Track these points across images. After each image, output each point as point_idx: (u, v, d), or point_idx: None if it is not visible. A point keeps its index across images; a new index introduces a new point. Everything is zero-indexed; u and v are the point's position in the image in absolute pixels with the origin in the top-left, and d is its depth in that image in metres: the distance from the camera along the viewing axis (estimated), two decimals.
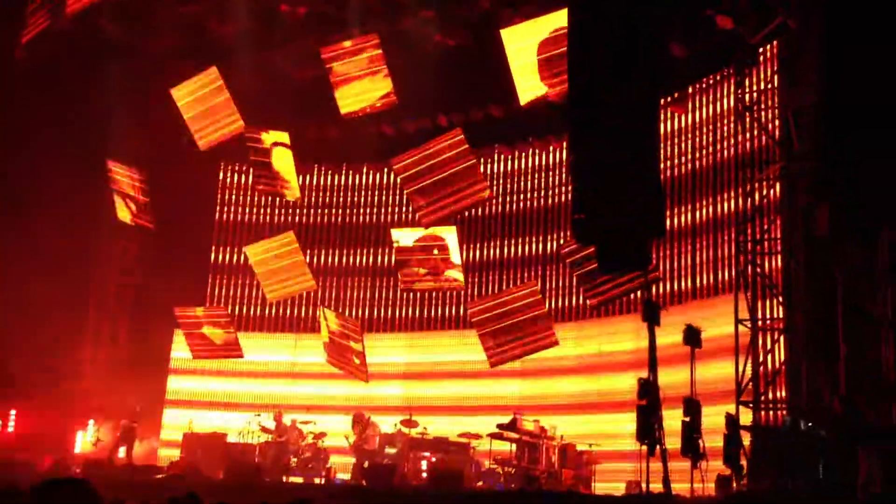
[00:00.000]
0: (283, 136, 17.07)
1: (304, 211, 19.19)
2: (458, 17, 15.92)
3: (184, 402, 18.39)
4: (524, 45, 14.69)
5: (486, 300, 16.85)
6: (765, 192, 13.34)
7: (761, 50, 13.99)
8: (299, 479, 15.02)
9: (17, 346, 15.60)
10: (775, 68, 13.72)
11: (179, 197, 17.98)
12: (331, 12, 16.17)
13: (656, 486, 10.02)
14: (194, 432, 16.43)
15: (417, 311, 18.43)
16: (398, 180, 17.30)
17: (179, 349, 18.51)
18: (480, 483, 14.00)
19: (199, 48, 16.83)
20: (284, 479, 14.78)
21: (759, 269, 13.10)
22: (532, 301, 16.16)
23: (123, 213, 17.60)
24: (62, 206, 16.17)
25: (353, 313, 18.39)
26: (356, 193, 19.31)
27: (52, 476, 12.28)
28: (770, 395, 12.61)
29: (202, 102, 16.85)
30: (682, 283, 15.29)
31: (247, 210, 19.47)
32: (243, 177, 19.42)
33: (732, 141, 14.75)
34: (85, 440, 16.90)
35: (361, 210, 19.22)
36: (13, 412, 16.13)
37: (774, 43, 13.75)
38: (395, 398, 17.33)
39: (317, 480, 14.92)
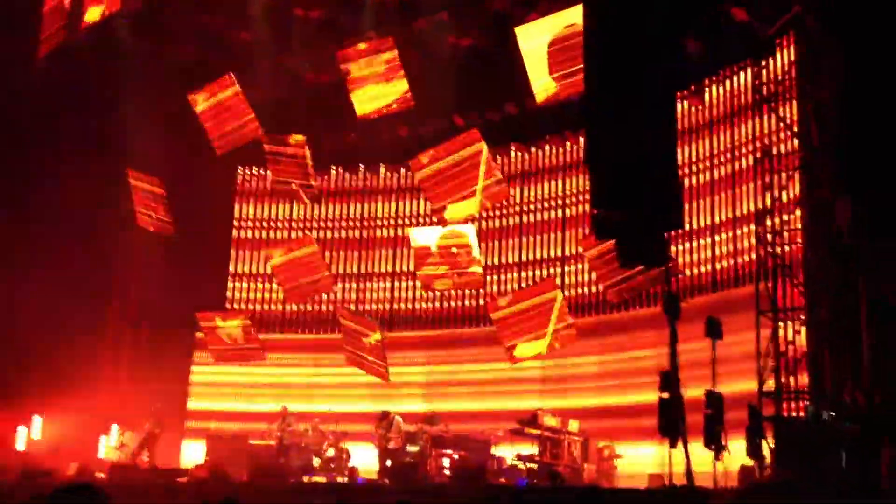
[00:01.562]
0: (301, 139, 17.18)
1: (322, 213, 19.26)
2: (472, 18, 15.97)
3: (206, 412, 18.40)
4: (539, 43, 14.69)
5: (505, 296, 16.84)
6: (784, 184, 13.28)
7: (777, 41, 13.90)
8: (322, 480, 15.07)
9: (40, 353, 15.75)
10: (793, 59, 13.63)
11: (198, 203, 18.10)
12: (345, 16, 16.26)
13: (679, 478, 10.01)
14: (218, 434, 16.52)
15: (437, 307, 18.46)
16: (416, 181, 17.33)
17: (200, 355, 18.60)
18: (503, 479, 14.00)
19: (216, 55, 16.98)
20: (307, 479, 14.83)
21: (779, 261, 13.03)
22: (551, 295, 16.11)
23: (144, 221, 17.73)
24: (82, 214, 16.32)
25: (373, 314, 18.44)
26: (374, 195, 19.38)
27: (74, 482, 12.41)
28: (792, 386, 12.53)
29: (220, 108, 16.97)
30: (703, 276, 15.26)
31: (264, 214, 19.58)
32: (260, 182, 19.52)
33: (751, 133, 14.69)
34: (109, 445, 17.02)
35: (379, 211, 19.27)
36: (39, 419, 16.27)
37: (791, 34, 13.67)
38: (415, 402, 17.39)
39: (340, 480, 14.97)
